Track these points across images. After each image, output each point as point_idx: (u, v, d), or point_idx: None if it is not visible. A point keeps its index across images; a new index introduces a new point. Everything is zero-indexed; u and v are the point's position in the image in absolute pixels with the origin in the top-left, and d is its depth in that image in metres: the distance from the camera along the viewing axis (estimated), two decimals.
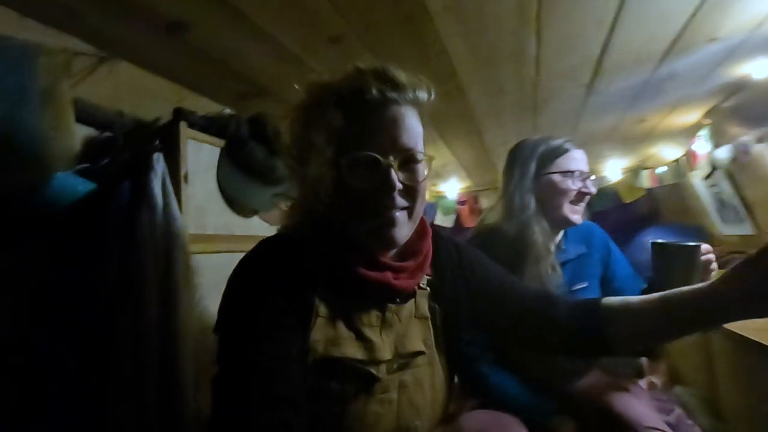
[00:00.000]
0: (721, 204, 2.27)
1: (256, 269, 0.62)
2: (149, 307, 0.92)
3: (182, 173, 1.03)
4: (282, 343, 0.58)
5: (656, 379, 1.70)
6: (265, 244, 0.65)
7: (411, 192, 0.63)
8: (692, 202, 2.56)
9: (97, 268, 0.94)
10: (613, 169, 2.86)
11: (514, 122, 1.91)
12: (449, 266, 0.75)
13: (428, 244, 0.71)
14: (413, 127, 0.64)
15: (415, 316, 0.69)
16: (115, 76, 1.04)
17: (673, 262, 0.84)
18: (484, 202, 3.28)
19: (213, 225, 1.14)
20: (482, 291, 0.76)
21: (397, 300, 0.67)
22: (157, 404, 0.90)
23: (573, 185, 1.06)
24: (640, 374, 1.82)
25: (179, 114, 1.09)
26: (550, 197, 1.07)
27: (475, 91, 1.52)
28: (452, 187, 3.27)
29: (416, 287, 0.69)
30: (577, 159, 1.08)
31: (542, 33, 1.13)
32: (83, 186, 0.99)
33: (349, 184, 0.61)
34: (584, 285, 1.09)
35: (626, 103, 1.72)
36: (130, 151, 1.02)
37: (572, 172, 1.06)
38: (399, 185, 0.61)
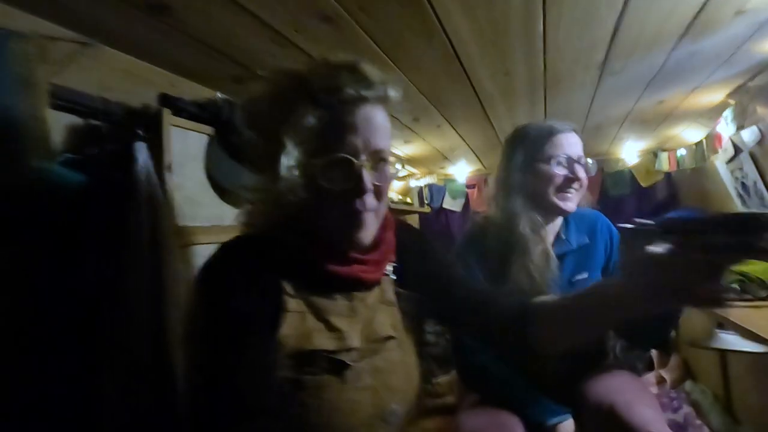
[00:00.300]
0: (745, 189, 2.15)
1: (218, 276, 0.61)
2: (139, 302, 0.90)
3: (166, 163, 1.00)
4: (252, 351, 0.57)
5: (666, 374, 1.64)
6: (226, 248, 0.64)
7: (379, 192, 0.64)
8: (713, 187, 2.43)
9: (86, 262, 0.92)
10: (630, 152, 2.74)
11: (525, 105, 1.82)
12: (410, 251, 0.77)
13: (391, 234, 0.72)
14: (384, 127, 0.64)
15: (381, 302, 0.71)
16: (101, 63, 1.00)
17: (636, 244, 0.80)
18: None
19: (206, 216, 1.12)
20: (432, 278, 0.77)
21: (364, 289, 0.68)
22: (149, 399, 0.89)
23: (559, 171, 1.02)
24: (650, 368, 1.78)
25: (163, 100, 1.05)
26: (536, 185, 1.04)
27: (480, 73, 1.44)
28: (461, 171, 3.19)
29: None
30: (564, 144, 1.03)
31: (549, 11, 1.04)
32: (69, 177, 0.96)
33: (319, 185, 0.59)
34: (584, 276, 1.05)
35: (644, 83, 1.61)
36: (116, 140, 0.99)
37: (557, 157, 1.02)
38: (371, 186, 0.60)
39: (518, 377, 1.00)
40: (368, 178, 0.61)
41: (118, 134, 0.98)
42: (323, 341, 0.63)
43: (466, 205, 3.28)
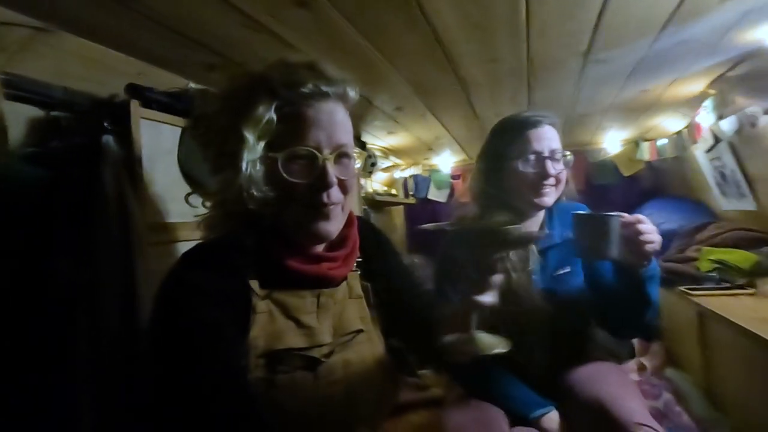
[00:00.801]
0: (723, 178, 2.19)
1: (183, 286, 0.60)
2: (106, 305, 0.86)
3: (136, 157, 0.95)
4: (224, 357, 0.57)
5: (647, 361, 1.67)
6: (187, 257, 0.64)
7: (344, 186, 0.66)
8: (693, 176, 2.48)
9: (50, 263, 0.87)
10: (613, 141, 2.75)
11: (510, 92, 1.79)
12: (373, 248, 0.81)
13: (355, 232, 0.74)
14: (345, 123, 0.66)
15: (350, 297, 0.73)
16: (61, 50, 0.94)
17: (586, 233, 0.84)
18: None
19: (178, 212, 1.07)
20: (387, 276, 0.80)
21: (332, 285, 0.70)
22: (120, 404, 0.86)
23: (530, 169, 1.02)
24: (632, 355, 1.81)
25: (132, 90, 0.99)
26: (509, 182, 1.05)
27: (465, 60, 1.40)
28: (446, 161, 3.17)
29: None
30: (533, 140, 1.03)
31: None
32: (30, 173, 0.91)
33: (284, 179, 0.60)
34: (567, 270, 1.05)
35: (627, 72, 1.60)
36: (81, 133, 0.93)
37: (526, 154, 1.03)
38: (335, 180, 0.62)
39: (503, 370, 1.00)
40: (332, 171, 0.62)
41: (83, 126, 0.93)
42: (294, 339, 0.64)
43: (452, 195, 3.27)
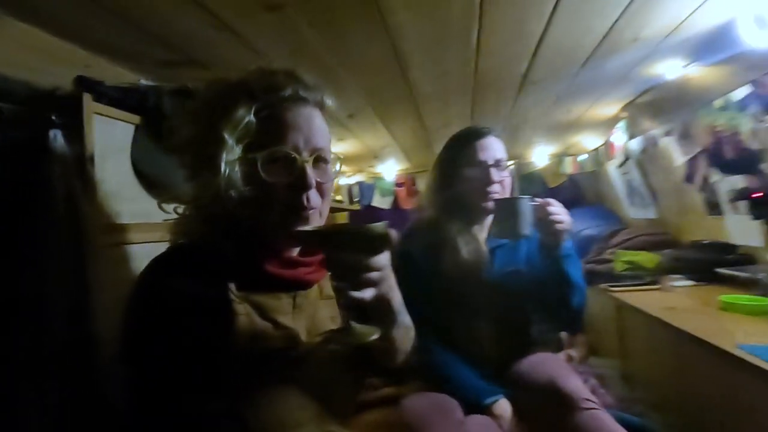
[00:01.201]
0: (632, 190, 2.51)
1: (160, 288, 0.59)
2: (55, 312, 0.80)
3: (88, 154, 0.89)
4: (203, 359, 0.57)
5: (574, 353, 1.87)
6: (164, 259, 0.63)
7: (322, 190, 0.66)
8: (607, 188, 2.81)
9: None
10: (541, 155, 3.03)
11: (456, 105, 1.92)
12: None
13: None
14: (323, 128, 0.67)
15: (322, 298, 0.74)
16: (3, 36, 0.86)
17: (502, 215, 0.99)
18: (422, 184, 3.32)
19: (129, 212, 1.02)
20: None
21: (307, 288, 0.70)
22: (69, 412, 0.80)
23: (476, 175, 1.11)
24: (560, 348, 2.00)
25: (82, 83, 0.93)
26: (459, 188, 1.14)
27: (418, 72, 1.48)
28: (390, 169, 3.26)
29: None
30: (480, 149, 1.13)
31: (484, 18, 1.12)
32: None
33: (263, 181, 0.61)
34: (512, 267, 1.15)
35: (556, 93, 1.80)
36: (23, 126, 0.86)
37: (475, 161, 1.12)
38: (314, 181, 0.63)
39: (456, 361, 1.07)
40: (312, 173, 0.63)
41: (25, 119, 0.85)
42: (272, 341, 0.64)
43: (395, 203, 3.37)
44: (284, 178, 0.62)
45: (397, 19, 1.09)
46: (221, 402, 0.56)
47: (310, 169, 0.63)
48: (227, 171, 0.60)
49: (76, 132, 0.88)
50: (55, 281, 0.80)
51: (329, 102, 0.70)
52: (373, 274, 0.58)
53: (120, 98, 1.03)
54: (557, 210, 0.98)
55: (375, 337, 0.60)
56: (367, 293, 0.57)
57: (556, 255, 1.02)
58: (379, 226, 0.56)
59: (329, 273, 0.63)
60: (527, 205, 0.97)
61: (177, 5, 0.93)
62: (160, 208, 0.70)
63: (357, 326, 0.60)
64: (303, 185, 0.62)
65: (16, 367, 0.75)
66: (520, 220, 0.96)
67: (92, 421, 0.81)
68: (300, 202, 0.63)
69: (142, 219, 1.04)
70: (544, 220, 0.97)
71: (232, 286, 0.63)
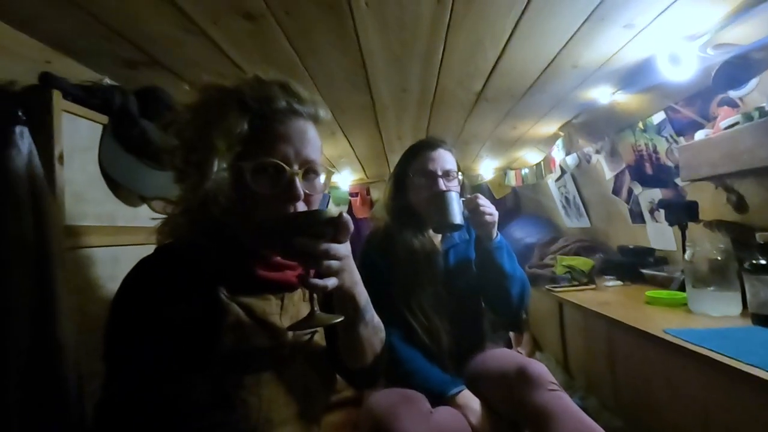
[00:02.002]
0: (567, 202, 2.76)
1: (149, 288, 0.60)
2: (17, 316, 0.76)
3: (56, 153, 0.86)
4: (194, 356, 0.59)
5: (521, 349, 2.02)
6: (153, 260, 0.64)
7: (309, 202, 0.66)
8: (545, 199, 3.06)
9: None
10: (487, 169, 3.24)
11: (412, 119, 2.01)
12: None
13: None
14: (315, 141, 0.68)
15: (303, 300, 0.75)
16: None
17: (433, 207, 1.11)
18: (375, 194, 3.40)
19: (94, 214, 0.98)
20: None
21: (293, 289, 0.72)
22: (34, 418, 0.75)
23: (425, 184, 1.19)
24: (509, 345, 2.15)
25: (49, 79, 0.90)
26: (413, 196, 1.22)
27: (381, 86, 1.56)
28: (345, 179, 3.31)
29: None
30: (429, 160, 1.21)
31: (449, 39, 1.22)
32: None
33: (251, 190, 0.61)
34: (465, 266, 1.24)
35: (504, 111, 1.96)
36: None
37: (422, 171, 1.20)
38: (302, 193, 0.63)
39: (419, 356, 1.13)
40: (300, 185, 0.63)
41: None
42: (260, 340, 0.66)
43: (349, 211, 3.41)
44: (271, 189, 0.62)
45: (368, 35, 1.16)
46: (209, 396, 0.58)
47: (298, 181, 0.63)
48: (217, 177, 0.60)
49: (42, 129, 0.84)
50: (18, 282, 0.76)
51: (324, 115, 0.70)
52: (333, 263, 0.58)
53: (84, 97, 1.00)
54: (485, 203, 1.11)
55: (338, 320, 0.63)
56: (330, 281, 0.58)
57: (488, 247, 1.13)
58: (331, 209, 0.59)
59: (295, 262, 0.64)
60: (455, 196, 1.10)
61: (150, 6, 0.93)
62: (149, 206, 0.70)
63: (320, 313, 0.62)
64: (291, 196, 0.62)
65: None
66: (449, 210, 1.08)
67: (54, 427, 0.77)
68: (288, 212, 0.63)
69: (106, 222, 1.01)
70: (474, 212, 1.10)
71: (222, 288, 0.64)
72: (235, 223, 0.64)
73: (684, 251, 1.40)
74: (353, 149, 2.54)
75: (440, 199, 1.10)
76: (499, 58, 1.35)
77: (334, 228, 0.58)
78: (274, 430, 0.67)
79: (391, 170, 1.34)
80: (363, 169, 3.12)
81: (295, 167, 0.63)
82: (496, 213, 1.12)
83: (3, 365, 0.73)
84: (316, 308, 0.62)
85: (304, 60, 1.29)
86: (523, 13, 1.07)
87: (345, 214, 0.59)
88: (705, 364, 0.92)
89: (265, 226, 0.62)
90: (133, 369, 0.58)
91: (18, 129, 0.79)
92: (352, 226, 0.59)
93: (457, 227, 1.10)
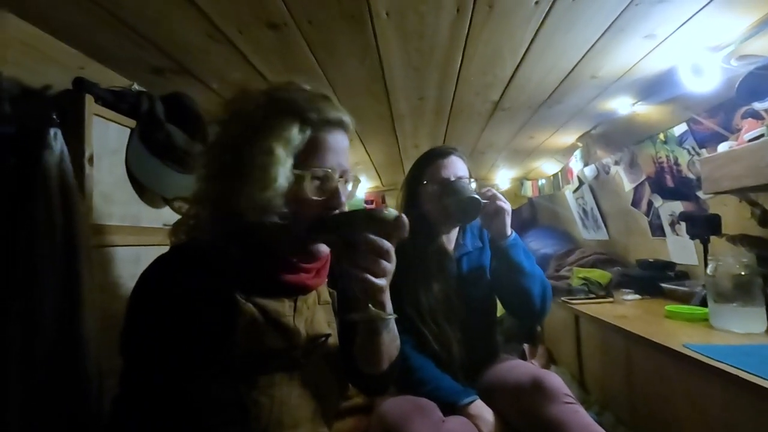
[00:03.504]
0: (584, 213, 2.73)
1: (161, 287, 0.61)
2: (44, 310, 0.78)
3: (87, 154, 0.90)
4: (210, 353, 0.60)
5: (535, 362, 1.99)
6: (171, 257, 0.65)
7: (342, 208, 0.71)
8: (563, 210, 3.02)
9: None
10: (503, 179, 3.23)
11: (428, 127, 2.03)
12: (335, 263, 0.85)
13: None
14: (348, 151, 0.73)
15: (319, 303, 0.78)
16: (2, 32, 0.85)
17: (448, 194, 1.13)
18: (391, 202, 3.41)
19: (119, 215, 1.01)
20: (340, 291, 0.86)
21: (307, 293, 0.74)
22: (53, 414, 0.78)
23: (437, 191, 1.19)
24: (523, 357, 2.12)
25: (82, 84, 0.94)
26: (426, 204, 1.22)
27: (399, 95, 1.58)
28: (361, 186, 3.33)
29: None
30: (442, 167, 1.21)
31: (467, 51, 1.23)
32: None
33: (304, 196, 0.65)
34: (478, 273, 1.23)
35: (522, 121, 1.96)
36: (17, 122, 0.85)
37: (435, 179, 1.20)
38: (345, 201, 0.69)
39: (431, 365, 1.12)
40: (342, 193, 0.68)
41: (23, 116, 0.85)
42: (274, 341, 0.67)
43: None
44: (319, 195, 0.67)
45: (387, 45, 1.18)
46: (221, 395, 0.59)
47: (341, 189, 0.68)
48: (279, 181, 0.63)
49: (74, 131, 0.88)
50: (48, 278, 0.79)
51: (352, 126, 0.74)
52: (388, 265, 0.63)
53: (114, 101, 1.04)
54: (497, 193, 1.13)
55: (392, 317, 0.66)
56: (382, 281, 0.62)
57: (504, 245, 1.12)
58: (392, 211, 0.62)
59: (343, 260, 0.67)
60: (467, 182, 1.16)
61: (180, 14, 0.96)
62: (171, 208, 0.72)
63: (373, 309, 0.65)
64: (336, 203, 0.67)
65: (5, 363, 0.73)
66: (465, 190, 1.11)
67: (77, 420, 0.79)
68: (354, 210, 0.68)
69: (131, 222, 1.04)
70: (488, 199, 1.10)
71: (239, 287, 0.66)
72: (272, 225, 0.65)
73: (706, 265, 1.37)
74: (369, 157, 2.57)
75: (453, 185, 1.13)
76: (517, 68, 1.35)
77: (396, 229, 0.62)
78: (284, 431, 0.68)
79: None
80: (379, 176, 3.14)
81: (337, 176, 0.68)
82: (508, 203, 1.12)
83: (31, 356, 0.76)
84: (370, 305, 0.64)
85: (324, 69, 1.31)
86: (542, 24, 1.08)
87: (404, 217, 0.63)
88: (728, 381, 0.89)
89: (329, 220, 0.66)
90: (148, 365, 0.60)
91: (52, 131, 0.83)
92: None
93: (476, 201, 1.08)
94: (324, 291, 0.81)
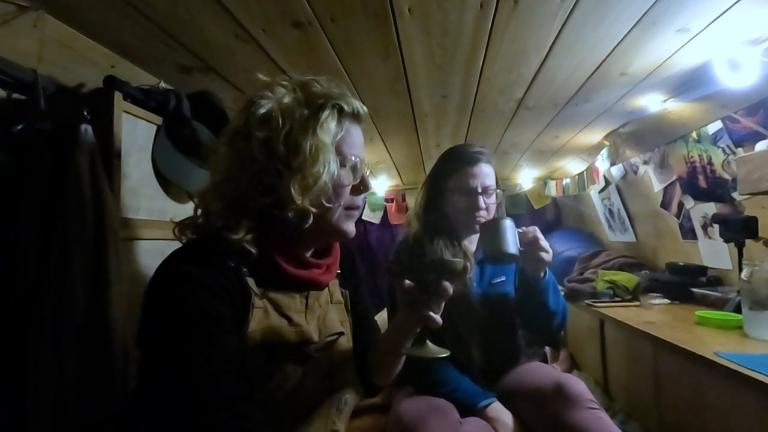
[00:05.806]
0: (611, 214, 2.65)
1: (183, 279, 0.61)
2: (75, 297, 0.81)
3: (116, 150, 0.92)
4: (225, 346, 0.60)
5: (557, 366, 1.94)
6: (186, 252, 0.66)
7: None
8: (588, 211, 2.94)
9: (14, 251, 0.81)
10: (527, 178, 3.17)
11: (451, 126, 2.01)
12: (348, 263, 0.91)
13: (337, 244, 0.83)
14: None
15: (331, 302, 0.80)
16: (39, 32, 0.89)
17: (487, 235, 1.03)
18: (411, 201, 3.40)
19: (146, 209, 1.04)
20: (352, 292, 0.89)
21: (318, 289, 0.77)
22: (81, 397, 0.80)
23: (464, 201, 1.17)
24: (545, 361, 2.07)
25: (112, 82, 0.97)
26: (447, 209, 1.20)
27: (421, 93, 1.57)
28: (381, 185, 3.33)
29: None
30: (471, 176, 1.17)
31: (490, 48, 1.21)
32: None
33: (342, 183, 0.70)
34: (502, 279, 1.22)
35: (546, 120, 1.91)
36: (52, 119, 0.89)
37: (463, 188, 1.17)
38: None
39: (450, 367, 1.11)
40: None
41: (57, 113, 0.88)
42: (287, 335, 0.69)
43: (385, 217, 3.43)
44: (353, 181, 0.72)
45: (410, 42, 1.17)
46: (233, 387, 0.58)
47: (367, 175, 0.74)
48: (328, 171, 0.66)
49: (104, 128, 0.91)
50: (79, 268, 0.82)
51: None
52: (442, 306, 0.70)
53: (142, 99, 1.07)
54: (542, 237, 1.01)
55: (444, 355, 0.71)
56: (439, 320, 0.69)
57: (536, 287, 1.06)
58: (460, 261, 0.68)
59: (409, 297, 0.71)
60: (509, 225, 1.00)
61: (209, 13, 0.98)
62: (191, 200, 0.73)
63: (431, 344, 0.72)
64: (365, 188, 0.74)
65: (39, 347, 0.76)
66: (504, 238, 0.97)
67: (103, 402, 0.82)
68: (358, 203, 0.74)
69: (157, 217, 1.07)
70: (530, 245, 1.00)
71: (253, 281, 0.66)
72: (316, 216, 0.67)
73: (740, 270, 1.30)
74: (390, 155, 2.56)
75: (497, 227, 0.99)
76: (542, 65, 1.32)
77: (461, 277, 0.69)
78: (294, 425, 0.69)
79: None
80: (399, 175, 3.14)
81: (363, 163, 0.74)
82: (551, 251, 1.02)
83: (62, 340, 0.79)
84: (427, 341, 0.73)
85: (347, 66, 1.32)
86: (567, 19, 1.05)
87: (468, 265, 0.70)
88: (763, 392, 0.85)
89: (409, 264, 0.77)
90: (162, 359, 0.59)
91: (83, 127, 0.86)
92: None
93: (513, 257, 0.99)
94: (336, 291, 0.83)
